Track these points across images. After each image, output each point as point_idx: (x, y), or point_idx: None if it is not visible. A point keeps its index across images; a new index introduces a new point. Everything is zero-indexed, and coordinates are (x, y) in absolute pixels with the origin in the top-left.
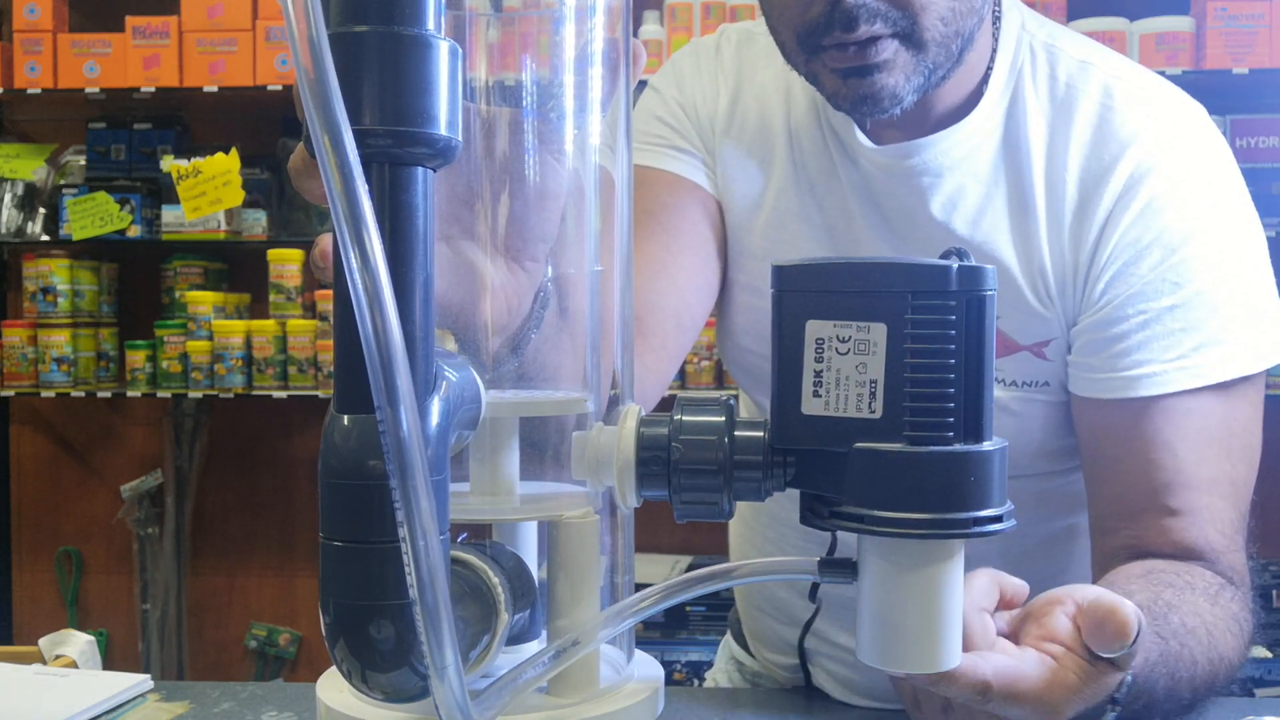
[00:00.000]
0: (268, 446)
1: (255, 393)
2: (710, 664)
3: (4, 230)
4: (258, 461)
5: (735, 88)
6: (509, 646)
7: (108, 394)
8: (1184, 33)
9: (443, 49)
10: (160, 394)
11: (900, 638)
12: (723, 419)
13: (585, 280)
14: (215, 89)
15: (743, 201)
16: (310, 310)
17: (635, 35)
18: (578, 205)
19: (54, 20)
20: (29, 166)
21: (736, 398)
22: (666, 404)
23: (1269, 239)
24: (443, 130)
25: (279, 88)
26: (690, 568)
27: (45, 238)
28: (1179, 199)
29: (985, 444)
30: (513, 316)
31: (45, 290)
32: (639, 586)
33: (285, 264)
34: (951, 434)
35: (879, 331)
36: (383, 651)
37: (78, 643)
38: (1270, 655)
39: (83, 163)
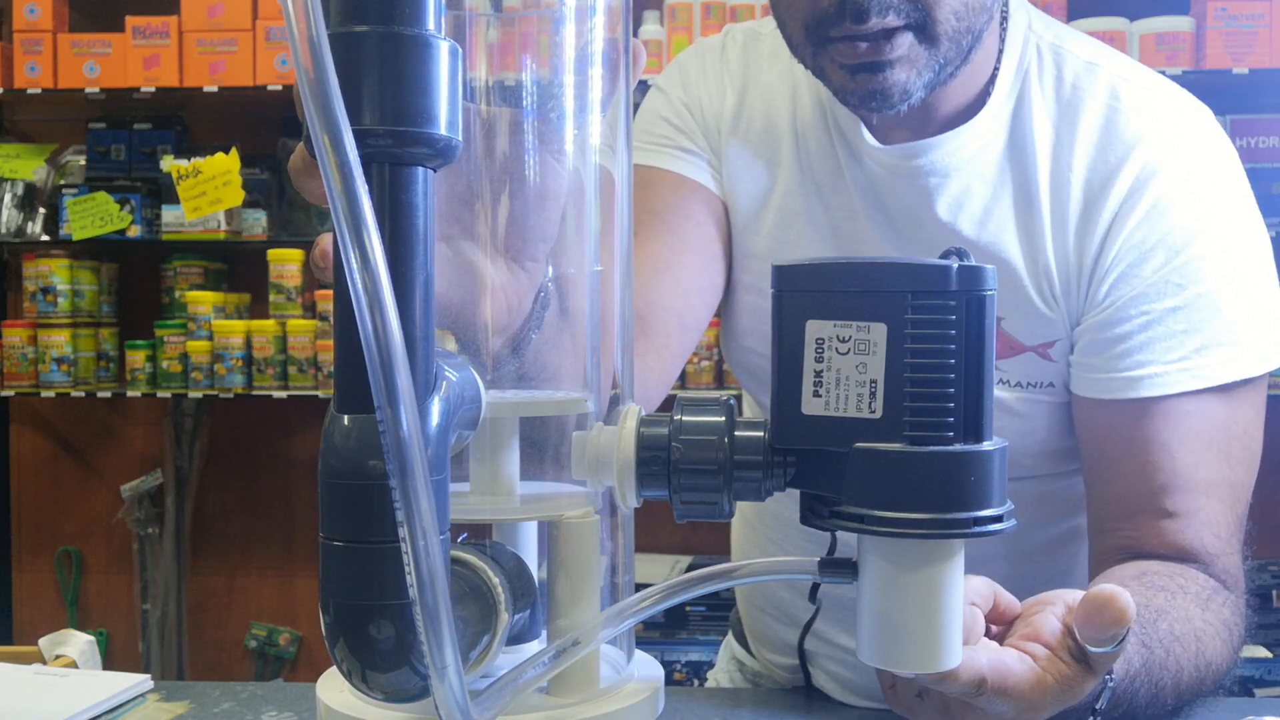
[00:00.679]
0: (268, 446)
1: (255, 393)
2: (711, 664)
3: (4, 230)
4: (258, 461)
5: (741, 88)
6: (509, 646)
7: (108, 394)
8: (1184, 33)
9: (443, 49)
10: (160, 394)
11: (900, 638)
12: (723, 419)
13: (585, 280)
14: (215, 89)
15: (748, 202)
16: (310, 310)
17: (635, 35)
18: (578, 205)
19: (54, 20)
20: (29, 166)
21: (737, 398)
22: (669, 404)
23: (1270, 239)
24: (443, 130)
25: (279, 88)
26: (690, 568)
27: (45, 238)
28: (1184, 201)
29: (985, 444)
30: (513, 317)
31: (45, 290)
32: (639, 586)
33: (285, 264)
34: (951, 434)
35: (879, 331)
36: (383, 651)
37: (78, 643)
38: (1270, 655)
39: (83, 163)
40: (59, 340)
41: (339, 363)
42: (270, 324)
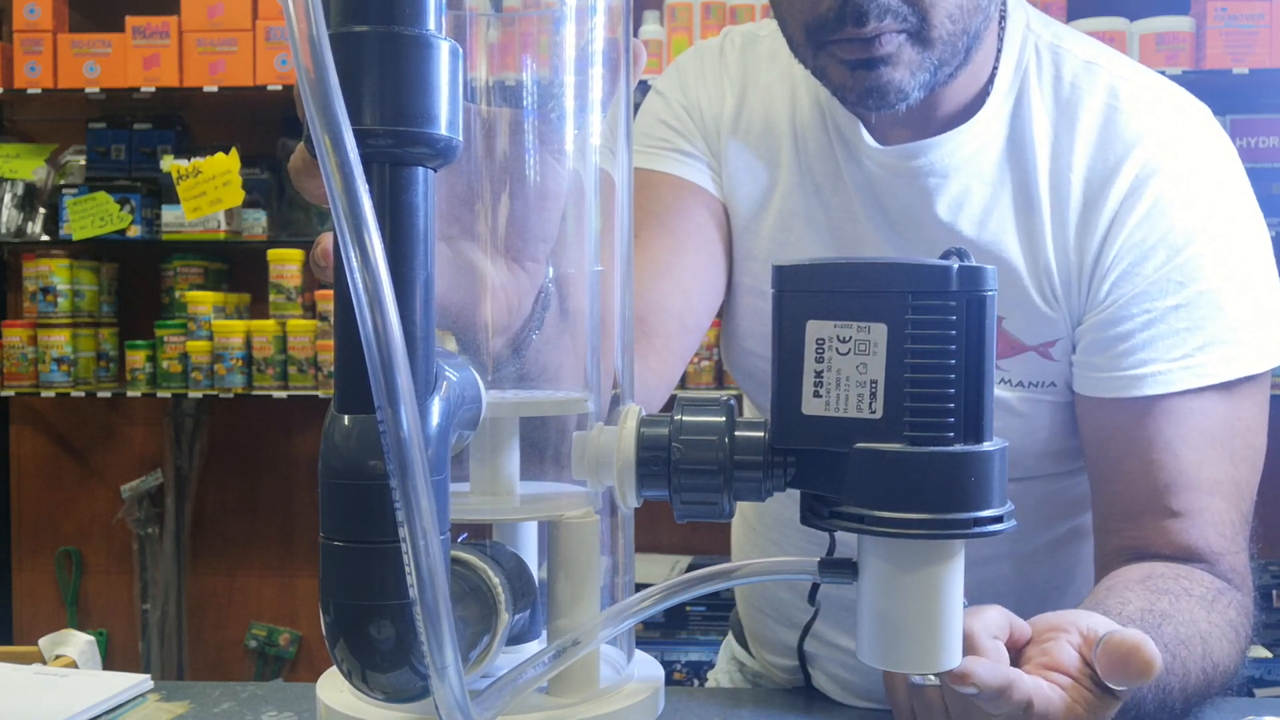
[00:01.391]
0: (268, 446)
1: (255, 393)
2: (711, 664)
3: (4, 230)
4: (258, 461)
5: (741, 90)
6: (509, 646)
7: (108, 394)
8: (1184, 33)
9: (443, 49)
10: (160, 394)
11: (900, 638)
12: (723, 419)
13: (586, 280)
14: (215, 89)
15: (748, 204)
16: (310, 310)
17: (635, 35)
18: (578, 205)
19: (54, 20)
20: (29, 166)
21: (737, 398)
22: (670, 405)
23: (1270, 238)
24: (443, 130)
25: (279, 88)
26: (690, 568)
27: (45, 238)
28: (1184, 200)
29: (985, 444)
30: (513, 317)
31: (45, 290)
32: (639, 586)
33: (285, 264)
34: (952, 434)
35: (879, 332)
36: (383, 651)
37: (78, 643)
38: (1270, 655)
39: (83, 163)
40: (59, 340)
41: (339, 362)
42: (270, 324)
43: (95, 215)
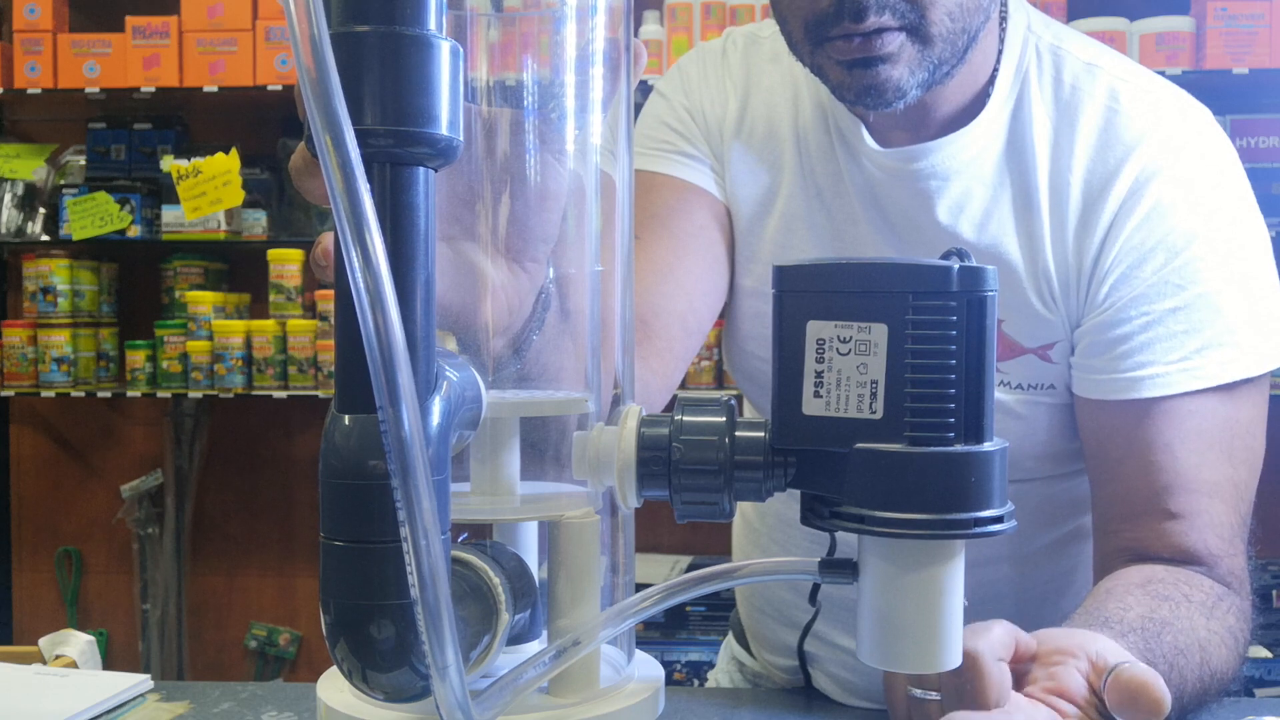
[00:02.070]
0: (268, 446)
1: (255, 393)
2: (711, 664)
3: (4, 230)
4: (258, 461)
5: (743, 92)
6: (509, 646)
7: (108, 394)
8: (1184, 33)
9: (444, 49)
10: (160, 394)
11: (900, 638)
12: (724, 419)
13: (586, 280)
14: (215, 89)
15: (751, 206)
16: (310, 310)
17: (635, 35)
18: (579, 205)
19: (54, 20)
20: (29, 166)
21: (738, 398)
22: (671, 407)
23: (1270, 238)
24: (444, 130)
25: (279, 88)
26: (690, 568)
27: (45, 238)
28: (1184, 202)
29: (986, 444)
30: (514, 317)
31: (45, 290)
32: (639, 586)
33: (285, 264)
34: (952, 434)
35: (880, 332)
36: (383, 651)
37: (78, 643)
38: (1270, 655)
39: (83, 163)
40: (59, 340)
41: (340, 362)
42: (270, 324)
43: (95, 215)
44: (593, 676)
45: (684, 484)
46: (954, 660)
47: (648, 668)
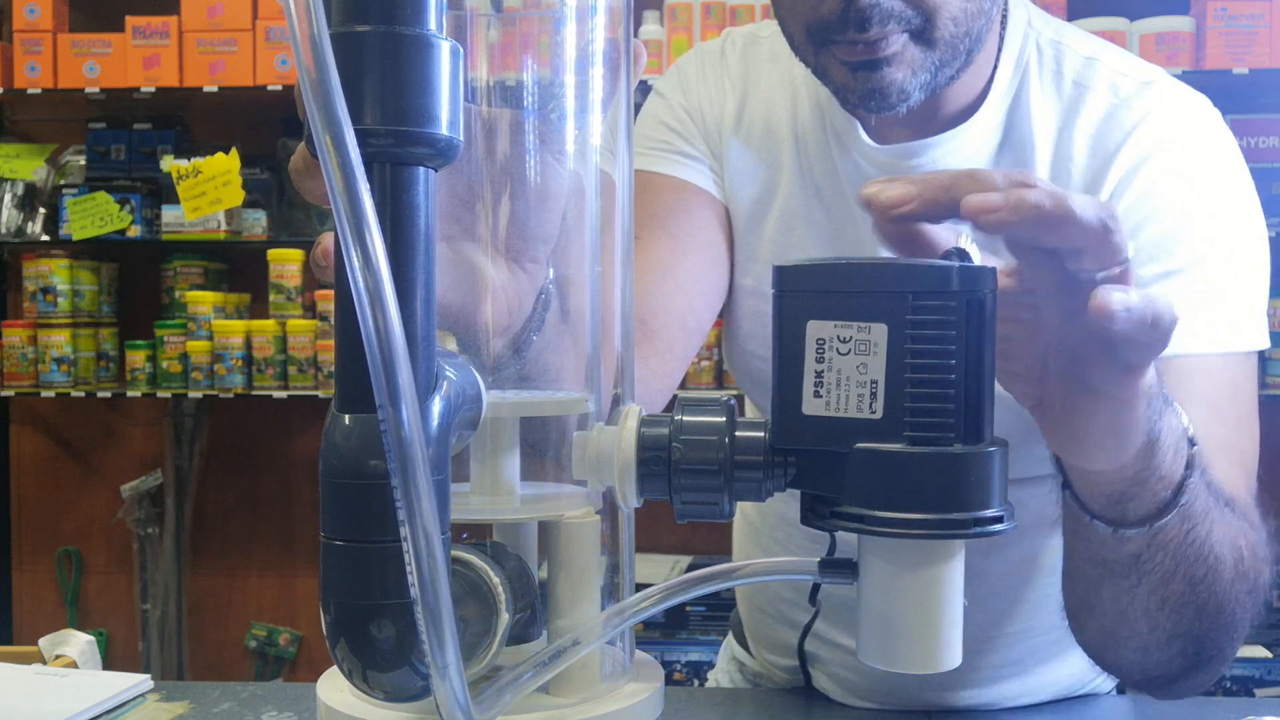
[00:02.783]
0: (268, 446)
1: (255, 393)
2: (711, 664)
3: (4, 230)
4: (258, 461)
5: (742, 92)
6: (509, 646)
7: (108, 394)
8: (1184, 33)
9: (444, 49)
10: (160, 394)
11: (900, 638)
12: (723, 419)
13: (586, 280)
14: (215, 89)
15: (750, 206)
16: (310, 310)
17: (635, 35)
18: (578, 205)
19: (54, 20)
20: (29, 166)
21: (738, 398)
22: (671, 407)
23: (1270, 239)
24: (444, 130)
25: (279, 88)
26: (690, 568)
27: (45, 238)
28: (1180, 180)
29: (985, 444)
30: (514, 317)
31: (45, 290)
32: (639, 586)
33: (285, 264)
34: (952, 434)
35: (880, 332)
36: (383, 651)
37: (78, 643)
38: (1270, 655)
39: (83, 163)
40: (59, 340)
41: (340, 362)
42: (270, 324)
43: (95, 215)
44: (593, 676)
45: (684, 484)
46: (954, 660)
47: (648, 668)
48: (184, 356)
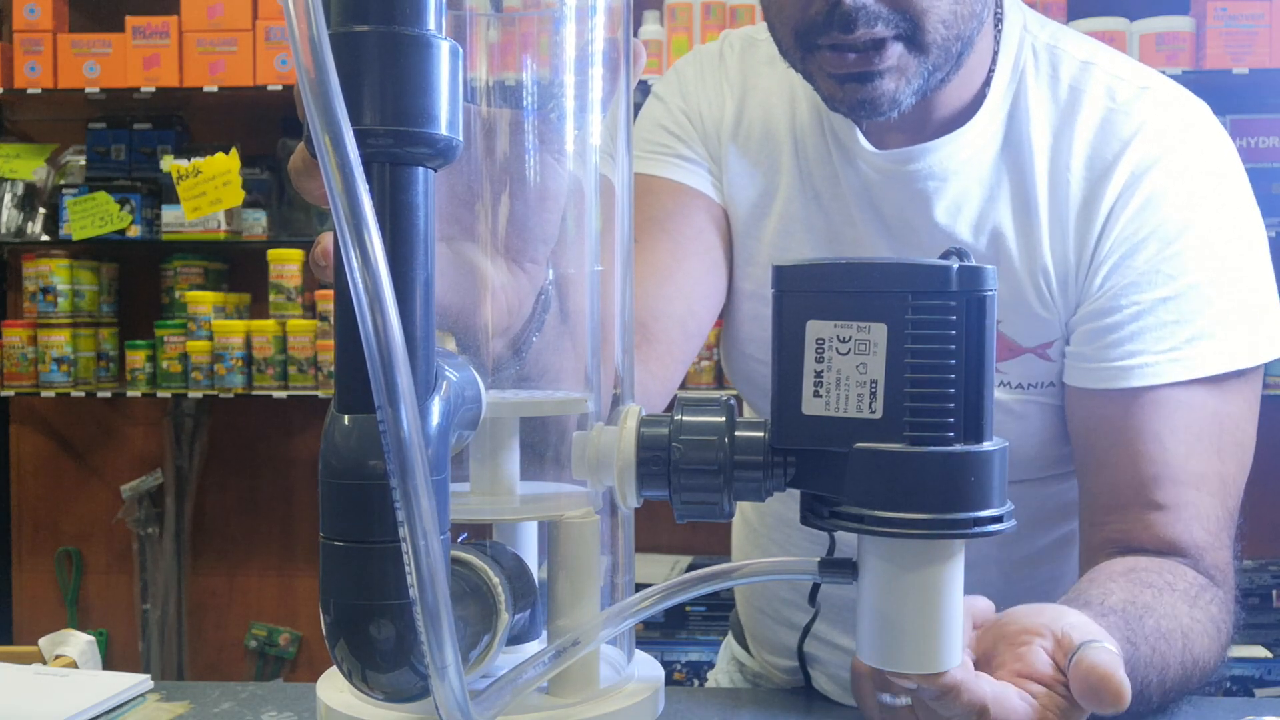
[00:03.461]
0: (268, 446)
1: (255, 393)
2: (711, 664)
3: (4, 230)
4: (258, 461)
5: (740, 95)
6: (509, 646)
7: (108, 394)
8: (1184, 33)
9: (443, 49)
10: (160, 394)
11: (900, 638)
12: (723, 419)
13: (586, 281)
14: (215, 89)
15: (749, 209)
16: (310, 310)
17: (635, 35)
18: (578, 205)
19: (54, 20)
20: (29, 166)
21: (738, 398)
22: (671, 406)
23: (1270, 239)
24: (443, 130)
25: (279, 88)
26: (690, 568)
27: (45, 238)
28: (1179, 193)
29: (985, 444)
30: (513, 318)
31: (45, 290)
32: (639, 586)
33: (285, 264)
34: (952, 434)
35: (879, 332)
36: (383, 651)
37: (78, 643)
38: (1270, 655)
39: (83, 163)
40: (59, 340)
41: (339, 362)
42: (270, 324)
43: (95, 215)
44: (592, 676)
45: (684, 484)
46: (954, 660)
47: (648, 668)
48: (184, 356)
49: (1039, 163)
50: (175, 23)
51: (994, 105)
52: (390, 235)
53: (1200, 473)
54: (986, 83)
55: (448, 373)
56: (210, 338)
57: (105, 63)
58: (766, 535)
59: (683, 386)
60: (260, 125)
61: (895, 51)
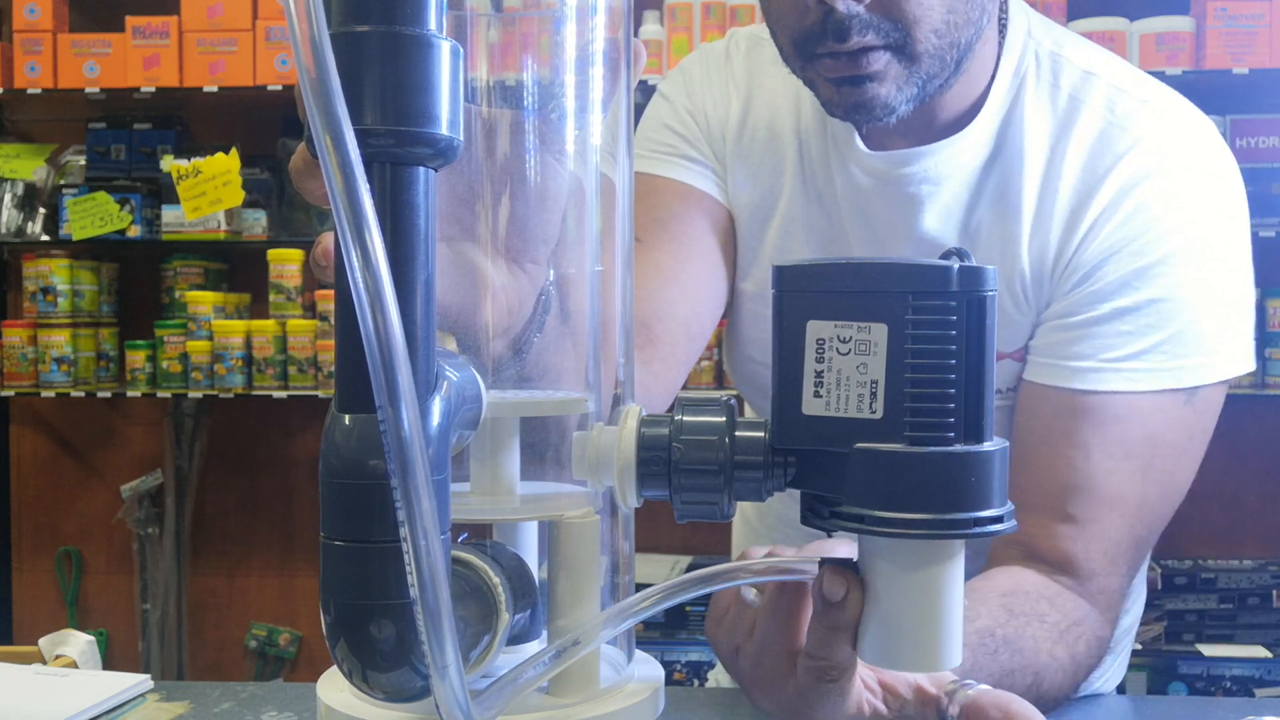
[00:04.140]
0: (268, 446)
1: (255, 393)
2: (711, 664)
3: (4, 230)
4: (258, 461)
5: (746, 95)
6: (509, 646)
7: (108, 394)
8: (1184, 33)
9: (444, 49)
10: (160, 394)
11: (900, 638)
12: (723, 419)
13: (586, 281)
14: (215, 89)
15: (752, 210)
16: (310, 310)
17: (635, 35)
18: (579, 205)
19: (54, 20)
20: (29, 166)
21: (738, 398)
22: (671, 406)
23: (1269, 239)
24: (444, 130)
25: (279, 88)
26: (690, 568)
27: (45, 238)
28: (1164, 208)
29: (986, 444)
30: (514, 318)
31: (45, 290)
32: (639, 586)
33: (285, 264)
34: (952, 434)
35: (880, 332)
36: (383, 651)
37: (78, 643)
38: (1270, 655)
39: (83, 163)
40: (59, 340)
41: (340, 362)
42: (270, 324)
43: (95, 215)
44: (593, 676)
45: (684, 484)
46: (954, 660)
47: (648, 668)
48: (184, 356)
49: (1030, 169)
50: (175, 23)
51: (991, 111)
52: (391, 235)
53: (1119, 493)
54: (988, 88)
55: (448, 372)
56: (210, 338)
57: (105, 63)
58: (766, 535)
59: (683, 386)
60: (260, 125)
61: (882, 58)
